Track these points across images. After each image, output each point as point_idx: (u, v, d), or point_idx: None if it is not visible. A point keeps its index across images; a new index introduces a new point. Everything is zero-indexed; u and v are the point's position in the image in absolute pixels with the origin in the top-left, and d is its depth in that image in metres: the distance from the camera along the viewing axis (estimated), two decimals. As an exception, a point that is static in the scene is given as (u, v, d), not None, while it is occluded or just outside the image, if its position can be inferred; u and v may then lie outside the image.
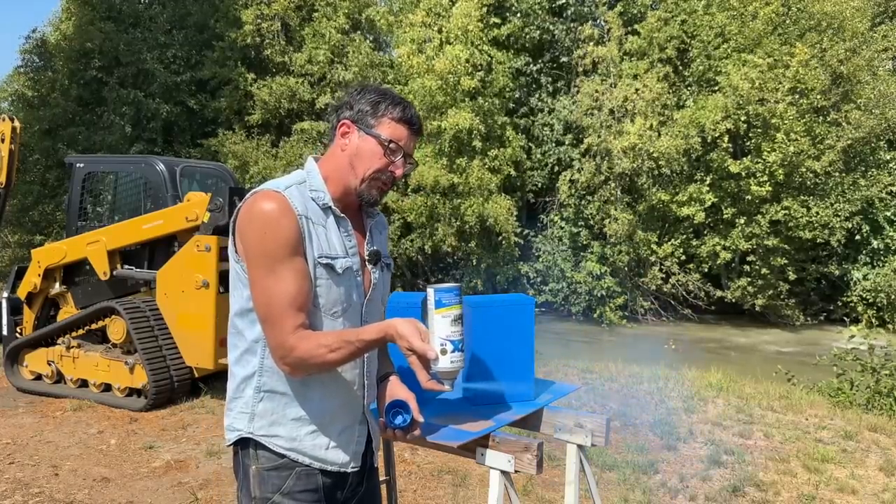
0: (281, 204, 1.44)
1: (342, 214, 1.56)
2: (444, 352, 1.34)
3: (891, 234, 16.86)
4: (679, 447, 5.01)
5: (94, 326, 6.32)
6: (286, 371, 1.47)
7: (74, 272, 6.72)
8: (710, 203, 16.67)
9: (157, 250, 6.35)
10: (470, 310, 2.12)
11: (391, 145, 1.54)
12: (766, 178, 15.85)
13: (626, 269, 17.44)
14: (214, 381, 6.40)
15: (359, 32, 19.36)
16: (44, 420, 5.63)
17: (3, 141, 7.25)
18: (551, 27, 18.47)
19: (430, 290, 1.39)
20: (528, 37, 18.41)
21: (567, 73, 18.96)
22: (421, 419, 1.54)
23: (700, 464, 4.67)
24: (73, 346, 6.35)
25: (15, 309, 6.90)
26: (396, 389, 1.64)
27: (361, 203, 1.59)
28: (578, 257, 17.83)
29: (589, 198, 17.71)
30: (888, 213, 16.87)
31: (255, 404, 1.52)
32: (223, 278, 5.81)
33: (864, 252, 17.15)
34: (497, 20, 17.84)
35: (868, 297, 16.52)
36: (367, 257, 1.62)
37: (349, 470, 1.59)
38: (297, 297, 1.44)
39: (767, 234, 16.22)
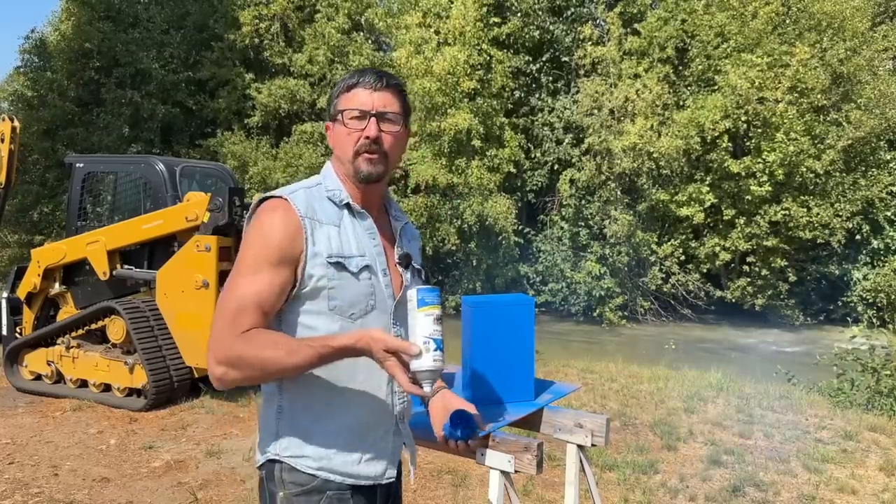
0: (283, 210, 1.40)
1: (362, 209, 1.51)
2: (427, 349, 1.30)
3: (891, 234, 16.86)
4: (679, 447, 5.01)
5: (93, 326, 6.32)
6: (215, 374, 1.34)
7: (74, 272, 6.72)
8: (709, 203, 16.67)
9: (157, 250, 6.35)
10: (470, 310, 2.11)
11: (346, 113, 1.46)
12: (765, 177, 15.85)
13: (625, 269, 17.44)
14: (214, 382, 6.39)
15: (359, 33, 19.36)
16: (43, 420, 5.63)
17: (2, 141, 7.24)
18: (551, 27, 18.48)
19: (412, 291, 1.35)
20: (528, 36, 18.42)
21: (567, 72, 18.96)
22: (486, 428, 1.47)
23: (700, 464, 4.67)
24: (72, 347, 6.34)
25: (15, 309, 6.90)
26: (454, 401, 1.62)
27: (360, 181, 1.49)
28: (578, 257, 17.83)
29: (589, 198, 17.71)
30: (888, 213, 16.87)
31: (279, 424, 1.45)
32: (223, 278, 5.80)
33: (864, 252, 17.15)
34: (497, 20, 17.84)
35: (868, 297, 16.52)
36: (397, 260, 1.56)
37: (384, 481, 1.50)
38: (267, 303, 1.36)
39: (767, 235, 16.22)
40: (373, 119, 1.45)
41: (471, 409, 1.49)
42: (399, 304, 1.50)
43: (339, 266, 1.42)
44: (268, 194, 1.47)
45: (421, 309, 1.34)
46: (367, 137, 1.44)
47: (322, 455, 1.43)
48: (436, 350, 1.32)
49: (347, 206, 1.49)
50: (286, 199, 1.42)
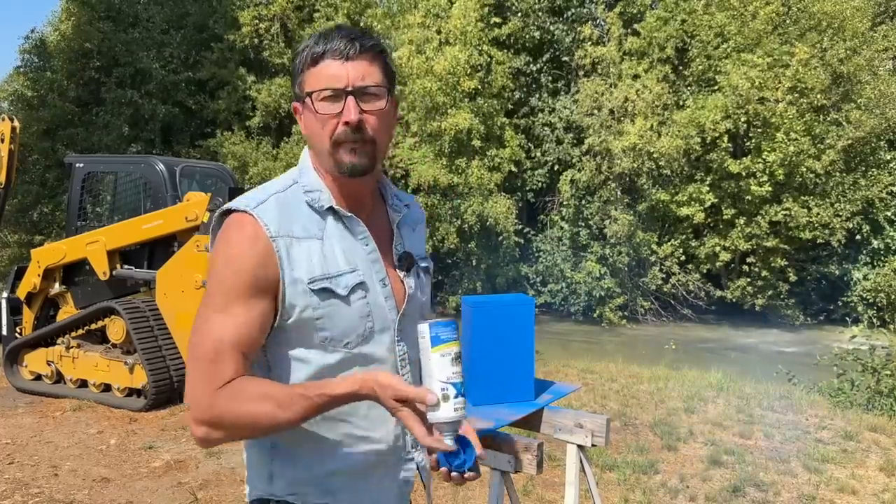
0: (248, 231, 1.16)
1: (349, 213, 1.25)
2: (445, 397, 1.10)
3: (891, 234, 16.86)
4: (679, 447, 5.00)
5: (93, 326, 6.32)
6: (198, 435, 1.15)
7: (74, 272, 6.72)
8: (709, 203, 16.67)
9: (157, 250, 6.35)
10: (470, 310, 2.11)
11: (315, 94, 1.18)
12: (766, 177, 15.85)
13: (626, 269, 17.44)
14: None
15: (359, 33, 19.33)
16: (43, 420, 5.63)
17: (2, 141, 7.24)
18: (551, 27, 18.48)
19: (424, 326, 1.13)
20: (528, 36, 18.42)
21: (567, 72, 18.96)
22: (485, 455, 1.20)
23: (700, 464, 4.67)
24: (72, 347, 6.34)
25: (14, 309, 6.90)
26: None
27: (343, 175, 1.22)
28: (578, 258, 17.83)
29: (589, 198, 17.72)
30: (888, 213, 16.88)
31: (273, 463, 1.26)
32: (223, 278, 5.80)
33: (864, 252, 17.16)
34: (497, 20, 17.84)
35: (868, 297, 16.52)
36: (396, 263, 1.31)
37: None
38: (246, 344, 1.15)
39: (767, 235, 16.23)
40: (350, 98, 1.17)
41: (470, 434, 1.19)
42: (403, 316, 1.29)
43: (325, 292, 1.19)
44: (231, 206, 1.21)
45: (436, 348, 1.12)
46: (347, 123, 1.17)
47: (326, 490, 1.25)
48: (456, 397, 1.12)
49: (331, 209, 1.24)
50: (252, 216, 1.17)
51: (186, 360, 1.20)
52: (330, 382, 1.14)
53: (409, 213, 1.39)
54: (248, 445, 1.32)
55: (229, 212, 1.21)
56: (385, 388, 1.10)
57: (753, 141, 16.18)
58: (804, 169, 15.73)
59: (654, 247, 17.28)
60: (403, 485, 1.35)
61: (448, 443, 1.13)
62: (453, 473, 1.18)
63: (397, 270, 1.31)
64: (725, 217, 16.77)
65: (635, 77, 16.92)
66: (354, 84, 1.17)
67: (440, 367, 1.12)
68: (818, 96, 15.69)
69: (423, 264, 1.38)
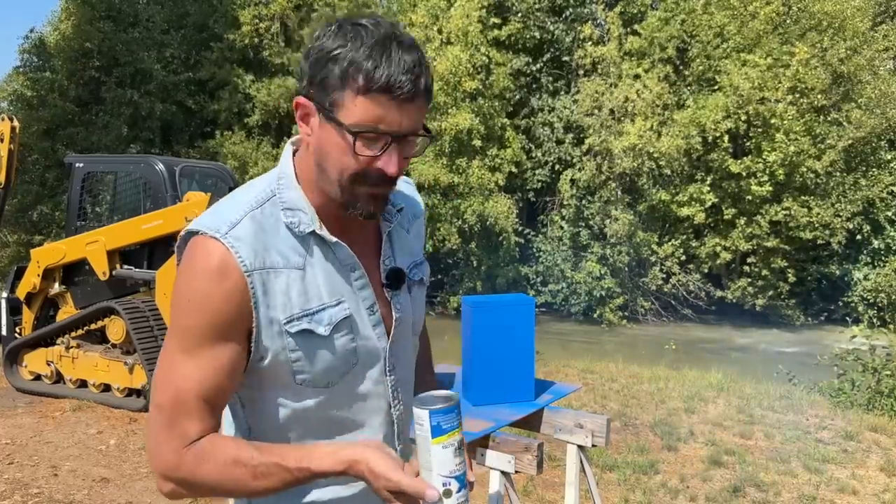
0: (217, 261, 0.98)
1: (335, 239, 1.06)
2: (447, 493, 0.96)
3: (892, 234, 16.87)
4: (679, 447, 5.00)
5: (93, 326, 6.31)
6: (164, 490, 1.05)
7: (74, 272, 6.71)
8: (710, 203, 16.68)
9: (157, 250, 6.33)
10: (470, 310, 2.11)
11: (367, 134, 0.97)
12: (766, 177, 15.86)
13: (626, 269, 17.45)
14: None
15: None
16: (43, 420, 5.62)
17: (2, 141, 7.24)
18: (551, 27, 18.48)
19: (423, 413, 0.96)
20: (528, 37, 18.42)
21: (567, 72, 18.96)
22: (472, 477, 1.05)
23: (700, 464, 4.67)
24: (72, 347, 6.33)
25: (14, 309, 6.89)
26: None
27: (349, 214, 1.05)
28: (578, 258, 17.83)
29: (589, 198, 17.72)
30: (889, 213, 16.88)
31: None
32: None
33: (864, 252, 17.16)
34: (497, 21, 17.84)
35: (869, 297, 16.53)
36: (384, 282, 1.13)
37: None
38: (214, 392, 1.01)
39: (768, 235, 16.23)
40: (395, 146, 0.99)
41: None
42: (394, 342, 1.14)
43: (304, 334, 1.04)
44: (198, 227, 1.02)
45: (437, 439, 0.97)
46: (387, 174, 1.01)
47: None
48: (459, 492, 0.97)
49: (314, 234, 1.06)
50: (222, 246, 0.99)
51: (150, 407, 1.06)
52: (313, 454, 1.00)
53: (403, 215, 1.21)
54: None
55: (194, 233, 1.02)
56: (378, 478, 0.96)
57: (754, 141, 16.18)
58: (804, 169, 15.73)
59: (655, 247, 17.28)
60: None
61: None
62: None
63: (385, 291, 1.14)
64: (726, 217, 16.78)
65: (636, 77, 16.93)
66: (405, 130, 0.99)
67: (441, 460, 0.97)
68: (818, 96, 15.69)
69: (416, 277, 1.21)
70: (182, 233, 1.06)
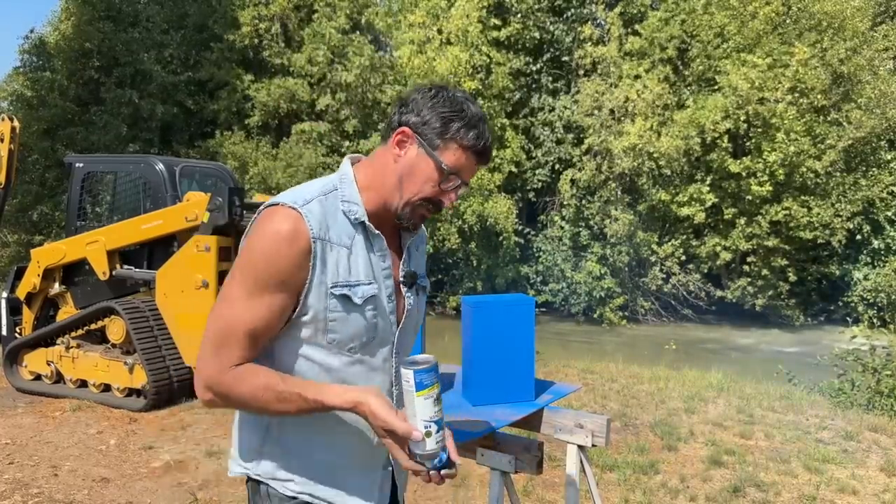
0: (293, 225, 1.25)
1: (377, 231, 1.36)
2: (428, 434, 1.25)
3: (891, 234, 16.87)
4: (679, 447, 5.00)
5: (93, 326, 6.31)
6: (204, 399, 1.30)
7: (74, 272, 6.71)
8: (710, 203, 16.68)
9: (157, 250, 6.34)
10: (470, 310, 2.11)
11: (450, 175, 1.32)
12: (766, 177, 15.86)
13: (626, 269, 17.45)
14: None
15: (358, 33, 19.35)
16: (43, 420, 5.62)
17: (2, 141, 7.24)
18: (551, 27, 18.48)
19: (409, 372, 1.24)
20: (528, 37, 18.42)
21: (567, 73, 18.96)
22: (458, 460, 1.32)
23: (700, 464, 4.67)
24: (72, 347, 6.34)
25: (14, 309, 6.89)
26: None
27: (398, 223, 1.39)
28: (578, 257, 17.83)
29: (589, 198, 17.72)
30: (889, 213, 16.88)
31: (264, 442, 1.37)
32: (223, 278, 5.78)
33: (864, 252, 17.16)
34: (497, 21, 17.84)
35: (869, 297, 16.53)
36: (401, 279, 1.42)
37: None
38: (261, 331, 1.27)
39: (768, 235, 16.23)
40: (459, 190, 1.36)
41: (446, 435, 1.35)
42: (401, 330, 1.42)
43: (344, 298, 1.30)
44: (279, 200, 1.30)
45: (420, 392, 1.26)
46: (444, 205, 1.36)
47: (307, 480, 1.37)
48: (437, 432, 1.27)
49: (362, 223, 1.35)
50: (300, 214, 1.27)
51: (206, 325, 1.31)
52: (327, 391, 1.25)
53: (416, 238, 1.51)
54: (239, 424, 1.43)
55: (275, 205, 1.29)
56: (376, 419, 1.23)
57: (753, 141, 16.18)
58: (804, 169, 15.73)
59: (655, 247, 17.28)
60: (380, 493, 1.44)
61: (428, 466, 1.27)
62: (432, 473, 1.30)
63: (402, 287, 1.43)
64: (726, 217, 16.78)
65: (636, 77, 16.93)
66: (468, 181, 1.37)
67: (424, 408, 1.25)
68: (818, 96, 15.69)
69: (422, 283, 1.49)
70: (263, 206, 1.32)
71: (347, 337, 1.32)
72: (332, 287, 1.29)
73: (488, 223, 16.83)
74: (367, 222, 1.35)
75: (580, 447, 2.04)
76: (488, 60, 17.17)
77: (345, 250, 1.32)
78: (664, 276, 17.46)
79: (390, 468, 1.46)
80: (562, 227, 18.33)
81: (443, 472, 1.30)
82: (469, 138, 1.32)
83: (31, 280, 6.70)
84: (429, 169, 1.32)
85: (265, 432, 1.37)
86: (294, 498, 1.36)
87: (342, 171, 1.40)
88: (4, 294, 6.97)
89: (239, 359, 1.26)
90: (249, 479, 1.41)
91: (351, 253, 1.33)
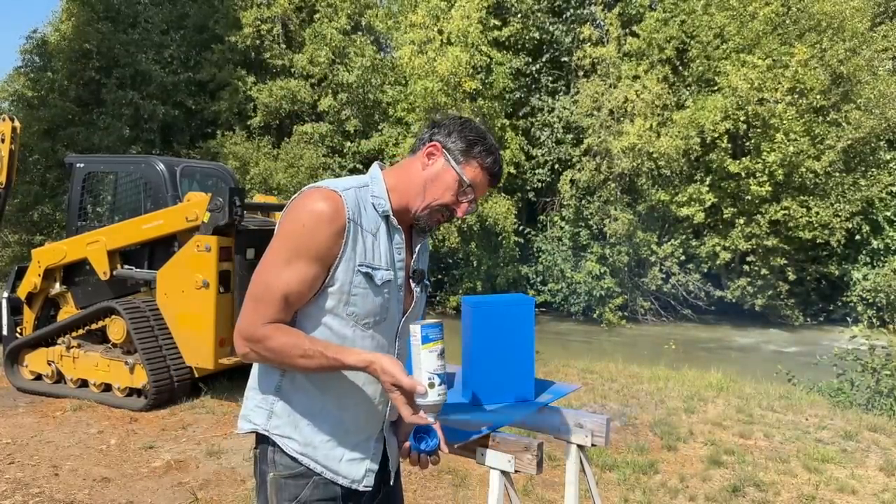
0: (333, 205, 1.44)
1: (398, 226, 1.56)
2: (431, 385, 1.38)
3: (891, 234, 16.87)
4: (679, 447, 5.01)
5: (94, 326, 6.32)
6: (240, 351, 1.47)
7: (74, 272, 6.72)
8: (709, 203, 16.68)
9: (157, 250, 6.35)
10: (470, 310, 2.11)
11: (468, 188, 1.55)
12: (765, 178, 15.86)
13: (625, 269, 17.45)
14: (214, 382, 6.40)
15: (360, 34, 19.36)
16: (44, 420, 5.63)
17: (3, 141, 7.25)
18: (551, 27, 18.49)
19: (416, 327, 1.41)
20: (528, 37, 18.42)
21: (567, 73, 18.96)
22: (446, 449, 1.53)
23: (700, 464, 4.68)
24: (73, 346, 6.34)
25: (15, 309, 6.90)
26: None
27: (414, 225, 1.59)
28: (578, 257, 17.83)
29: (589, 198, 17.72)
30: (888, 213, 16.88)
31: (275, 402, 1.53)
32: (223, 278, 5.80)
33: (864, 252, 17.16)
34: (497, 22, 17.84)
35: (868, 297, 16.52)
36: (411, 275, 1.62)
37: (360, 488, 1.56)
38: (294, 295, 1.44)
39: (767, 235, 16.23)
40: (473, 204, 1.58)
41: (435, 425, 1.55)
42: (406, 319, 1.59)
43: (367, 276, 1.48)
44: (321, 184, 1.49)
45: (425, 346, 1.39)
46: (456, 214, 1.57)
47: (308, 442, 1.51)
48: (440, 385, 1.39)
49: (387, 217, 1.54)
50: (340, 197, 1.45)
51: (248, 288, 1.48)
52: (346, 352, 1.43)
53: (425, 241, 1.69)
54: (252, 384, 1.59)
55: (315, 188, 1.48)
56: (387, 374, 1.40)
57: (753, 141, 16.18)
58: (804, 169, 15.73)
59: (654, 247, 17.28)
60: (371, 462, 1.58)
61: (431, 419, 1.41)
62: (421, 456, 1.51)
63: (410, 280, 1.62)
64: (725, 217, 16.78)
65: (635, 78, 16.93)
66: (480, 196, 1.60)
67: (427, 361, 1.40)
68: (818, 97, 15.69)
69: (426, 282, 1.69)
70: (305, 188, 1.50)
71: (364, 312, 1.50)
72: (358, 265, 1.47)
73: (488, 223, 16.83)
74: (392, 216, 1.54)
75: (580, 447, 2.05)
76: (489, 60, 17.19)
77: (371, 236, 1.50)
78: (664, 276, 17.47)
79: (383, 442, 1.62)
80: (561, 227, 18.33)
81: (431, 457, 1.47)
82: (488, 161, 1.56)
83: (31, 280, 6.71)
84: (450, 179, 1.54)
85: (276, 392, 1.53)
86: (294, 459, 1.51)
87: (372, 173, 1.60)
88: (5, 294, 6.98)
89: (273, 317, 1.43)
90: (258, 444, 1.56)
91: (376, 240, 1.51)
